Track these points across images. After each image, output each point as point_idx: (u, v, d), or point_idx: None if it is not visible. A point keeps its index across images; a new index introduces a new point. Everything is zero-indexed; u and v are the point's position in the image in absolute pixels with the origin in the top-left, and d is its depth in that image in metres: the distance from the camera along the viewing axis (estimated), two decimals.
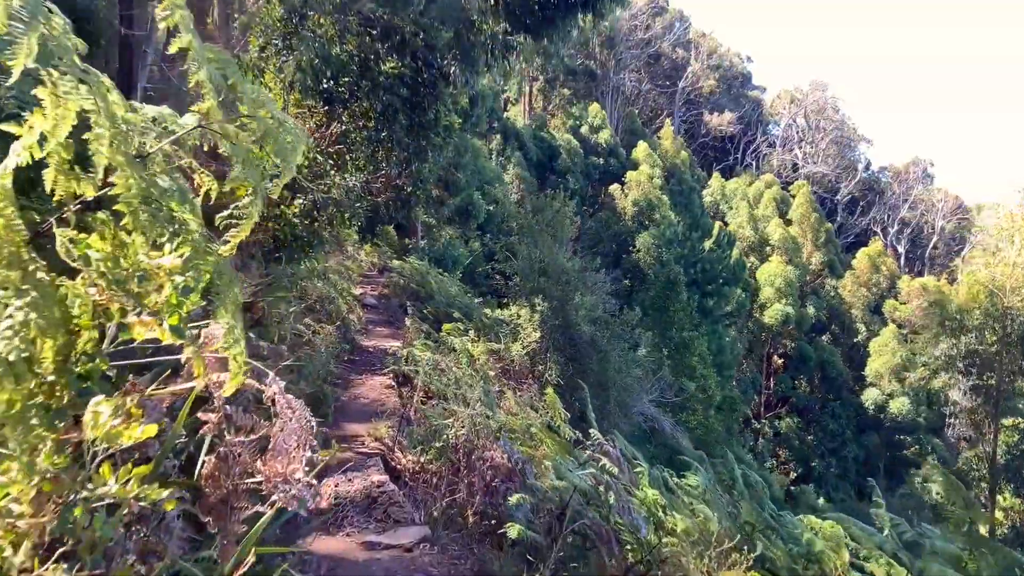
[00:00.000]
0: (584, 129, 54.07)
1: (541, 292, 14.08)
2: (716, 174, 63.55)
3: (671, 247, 30.18)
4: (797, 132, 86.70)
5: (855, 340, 53.52)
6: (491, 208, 31.62)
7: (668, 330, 19.76)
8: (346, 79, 11.52)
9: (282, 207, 12.58)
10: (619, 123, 66.31)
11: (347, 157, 12.43)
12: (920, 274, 74.70)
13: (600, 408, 14.41)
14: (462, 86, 11.88)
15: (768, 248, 51.25)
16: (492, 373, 13.20)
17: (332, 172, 12.09)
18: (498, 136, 46.04)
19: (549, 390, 7.80)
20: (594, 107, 55.27)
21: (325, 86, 11.46)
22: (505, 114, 53.13)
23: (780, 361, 51.81)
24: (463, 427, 7.44)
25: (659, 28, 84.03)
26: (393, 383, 10.92)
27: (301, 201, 12.66)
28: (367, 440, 7.78)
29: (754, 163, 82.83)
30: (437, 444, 7.38)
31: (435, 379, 9.09)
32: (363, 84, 11.42)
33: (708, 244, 30.73)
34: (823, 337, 53.59)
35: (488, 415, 7.63)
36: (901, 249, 79.73)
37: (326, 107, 11.81)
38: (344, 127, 12.13)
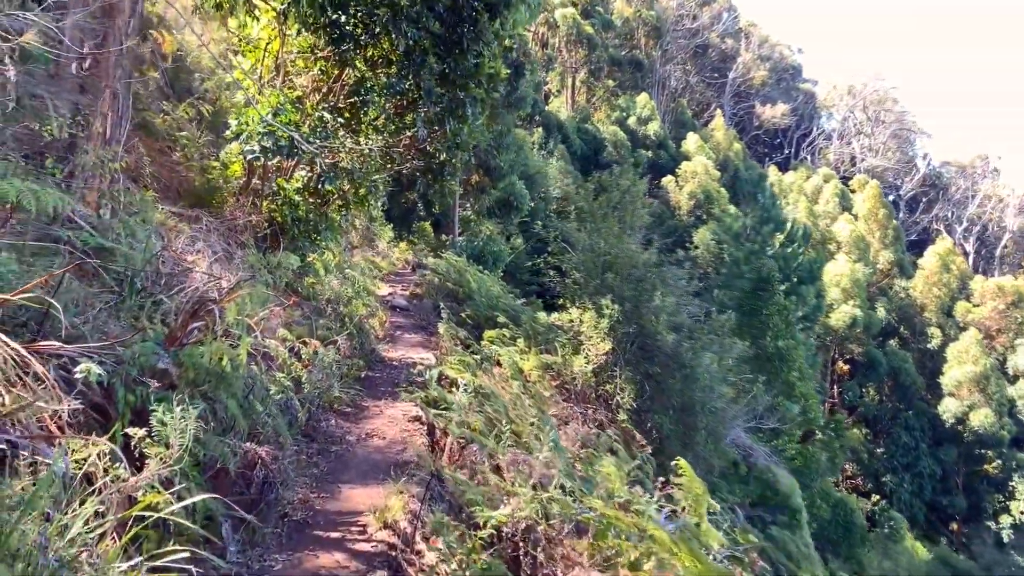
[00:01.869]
0: (631, 121, 50.81)
1: (609, 291, 11.06)
2: (773, 167, 59.82)
3: (738, 242, 26.86)
4: (855, 125, 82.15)
5: (927, 345, 49.26)
6: (533, 204, 28.64)
7: (761, 338, 16.54)
8: (359, 8, 8.66)
9: (279, 181, 9.80)
10: (665, 116, 62.90)
11: (362, 114, 9.59)
12: (988, 274, 69.82)
13: (684, 437, 11.36)
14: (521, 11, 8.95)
15: (832, 246, 47.39)
16: (547, 394, 10.26)
17: (343, 134, 9.26)
18: (539, 129, 43.18)
19: (693, 484, 4.71)
20: (642, 97, 51.99)
21: (332, 17, 8.61)
22: (546, 107, 50.26)
23: (846, 367, 47.86)
24: (524, 509, 4.49)
25: (706, 18, 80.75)
26: (420, 412, 8.02)
27: (305, 173, 9.86)
28: (372, 523, 4.88)
29: (809, 157, 78.60)
30: (481, 534, 4.45)
31: (476, 421, 6.17)
32: (381, 13, 8.54)
33: (779, 239, 27.32)
34: (891, 341, 49.48)
35: (566, 487, 4.66)
36: (969, 248, 74.62)
37: (335, 47, 8.96)
38: (358, 74, 9.29)
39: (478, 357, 9.89)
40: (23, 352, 3.48)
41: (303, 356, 6.98)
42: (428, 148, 9.90)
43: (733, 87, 79.44)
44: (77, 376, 3.51)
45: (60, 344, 3.63)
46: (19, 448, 2.84)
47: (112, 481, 3.27)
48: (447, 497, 5.93)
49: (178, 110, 11.13)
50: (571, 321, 11.28)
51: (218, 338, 4.63)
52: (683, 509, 4.76)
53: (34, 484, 2.85)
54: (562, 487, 4.55)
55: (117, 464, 3.35)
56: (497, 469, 6.37)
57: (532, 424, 6.84)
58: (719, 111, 68.42)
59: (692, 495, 4.70)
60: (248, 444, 4.64)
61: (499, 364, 10.63)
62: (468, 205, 26.46)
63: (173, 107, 11.10)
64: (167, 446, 3.33)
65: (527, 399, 8.13)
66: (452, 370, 8.01)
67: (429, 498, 5.32)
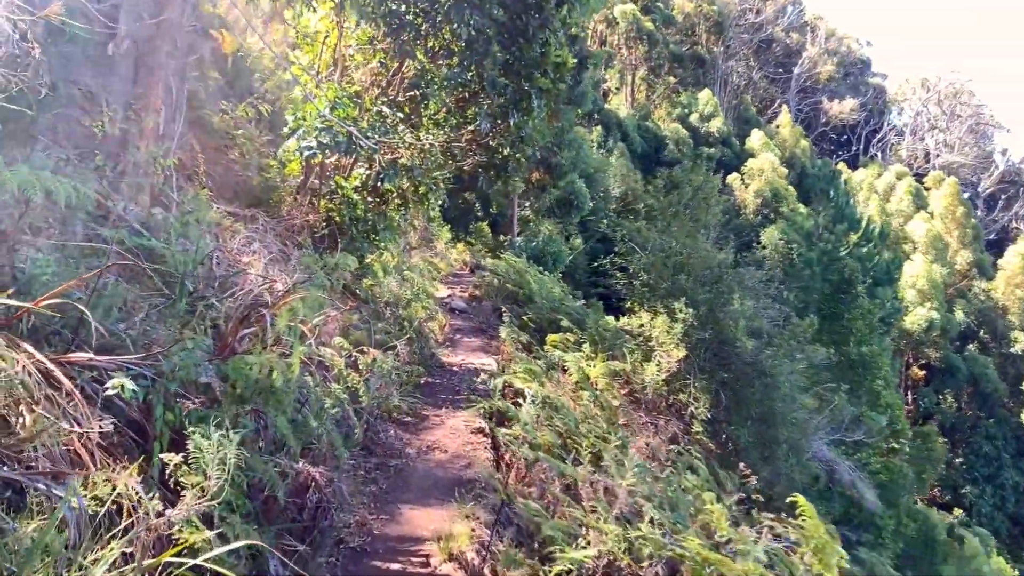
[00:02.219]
0: (693, 118, 49.49)
1: (682, 294, 10.38)
2: (841, 165, 57.69)
3: (810, 242, 25.57)
4: (928, 120, 78.69)
5: (1010, 350, 46.56)
6: (593, 203, 27.90)
7: (843, 344, 15.51)
8: None
9: (337, 179, 9.45)
10: (728, 113, 61.22)
11: (422, 108, 9.16)
12: None
13: (763, 449, 10.61)
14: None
15: (907, 246, 45.24)
16: (616, 403, 9.63)
17: (402, 129, 8.84)
18: (598, 127, 42.42)
19: (816, 529, 4.01)
20: (705, 93, 50.65)
21: (391, 6, 8.20)
22: (605, 104, 49.40)
23: (921, 373, 45.58)
24: (607, 543, 3.92)
25: (770, 12, 78.58)
26: (483, 425, 7.53)
27: (363, 170, 9.49)
28: (436, 553, 4.39)
29: (879, 154, 75.65)
30: (556, 570, 3.91)
31: (544, 436, 5.64)
32: (443, 0, 8.09)
33: (853, 238, 25.89)
34: (971, 346, 46.93)
35: (654, 519, 4.08)
36: None
37: (394, 38, 8.56)
38: (418, 66, 8.86)
39: (544, 364, 9.36)
40: (49, 365, 3.09)
41: (360, 365, 6.55)
42: (491, 143, 9.41)
43: (798, 82, 77.03)
44: (108, 392, 3.10)
45: (90, 356, 3.22)
46: (32, 482, 2.42)
47: (145, 516, 2.84)
48: (515, 520, 5.41)
49: (237, 110, 10.92)
50: (641, 326, 10.63)
51: (268, 347, 4.20)
52: (802, 558, 4.07)
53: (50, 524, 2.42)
54: (658, 527, 3.97)
55: (150, 496, 2.93)
56: (568, 489, 5.83)
57: (607, 440, 6.27)
58: (784, 107, 66.35)
59: (815, 542, 3.96)
60: (300, 464, 4.20)
61: (565, 371, 10.08)
62: (527, 204, 25.97)
63: (232, 107, 10.90)
64: (206, 475, 2.89)
65: (598, 410, 7.55)
66: (518, 379, 7.48)
67: (497, 522, 4.80)
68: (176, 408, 3.36)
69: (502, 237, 25.34)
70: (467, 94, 9.12)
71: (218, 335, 4.83)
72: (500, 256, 17.82)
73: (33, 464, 2.77)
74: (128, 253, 5.45)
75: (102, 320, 3.98)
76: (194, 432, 2.98)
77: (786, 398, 10.43)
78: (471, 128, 9.22)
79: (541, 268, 17.96)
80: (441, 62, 8.90)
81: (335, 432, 4.86)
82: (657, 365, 10.05)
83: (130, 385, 3.09)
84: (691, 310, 10.04)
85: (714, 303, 10.40)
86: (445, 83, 8.67)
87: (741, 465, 6.66)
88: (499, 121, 9.05)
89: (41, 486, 2.52)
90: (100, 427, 3.12)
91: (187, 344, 3.46)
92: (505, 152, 9.40)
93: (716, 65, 64.70)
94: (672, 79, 58.97)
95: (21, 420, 2.83)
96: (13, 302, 2.91)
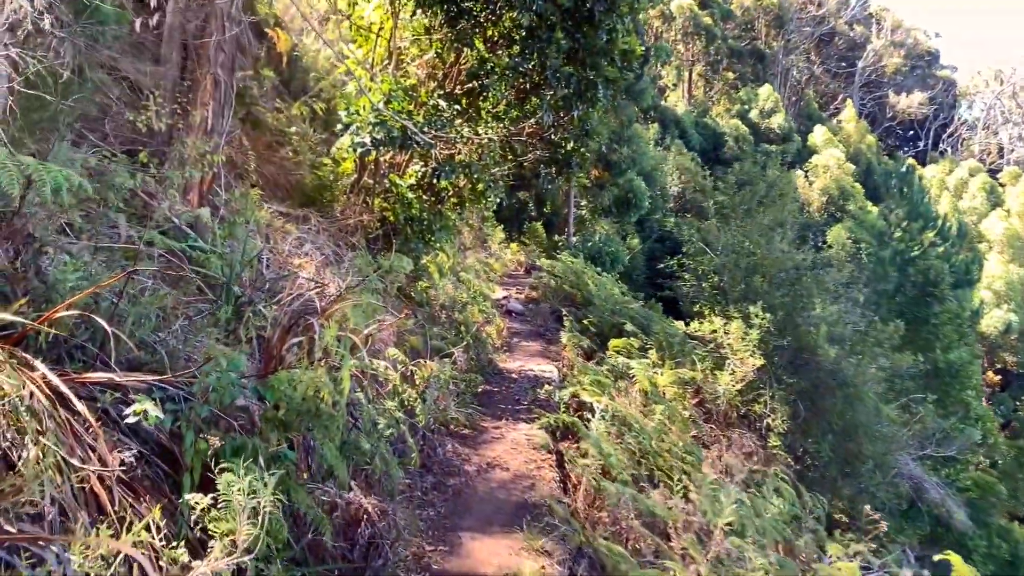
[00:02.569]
0: (753, 114, 48.04)
1: (757, 298, 9.65)
2: (910, 161, 55.34)
3: (882, 241, 24.26)
4: (1002, 113, 75.07)
5: None
6: (650, 202, 26.99)
7: (929, 350, 14.45)
8: None
9: (391, 176, 9.02)
10: (789, 109, 59.37)
11: (480, 101, 8.67)
12: None
13: (844, 464, 9.81)
14: None
15: (982, 245, 43.01)
16: (687, 414, 8.98)
17: (459, 123, 8.35)
18: (655, 124, 41.44)
19: None
20: (765, 89, 49.12)
21: None
22: (662, 101, 48.31)
23: (996, 378, 43.28)
24: None
25: (833, 4, 76.15)
26: (548, 439, 6.99)
27: (418, 168, 9.04)
28: None
29: (949, 149, 72.51)
30: None
31: (617, 456, 5.06)
32: None
33: (928, 236, 24.43)
34: None
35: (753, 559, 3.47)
36: None
37: (451, 27, 8.09)
38: (477, 56, 8.37)
39: (610, 372, 8.76)
40: (63, 388, 2.67)
41: (416, 379, 6.07)
42: (553, 137, 8.86)
43: (863, 76, 74.36)
44: (130, 420, 2.66)
45: (111, 375, 2.79)
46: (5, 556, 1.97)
47: (168, 570, 2.38)
48: (587, 552, 4.86)
49: (292, 108, 10.62)
50: (713, 331, 9.93)
51: (316, 362, 3.74)
52: None
53: None
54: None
55: (175, 544, 2.47)
56: (641, 514, 5.26)
57: (684, 459, 5.67)
58: (848, 102, 64.04)
59: None
60: (351, 494, 3.73)
61: (631, 378, 9.48)
62: (583, 203, 25.33)
63: (287, 106, 10.60)
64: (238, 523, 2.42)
65: (672, 425, 6.94)
66: (585, 392, 6.92)
67: (573, 561, 4.26)
68: (208, 437, 2.91)
69: (556, 237, 24.75)
70: (528, 85, 8.59)
71: (264, 345, 4.41)
72: (556, 256, 17.24)
73: (37, 508, 2.34)
74: (171, 255, 5.09)
75: (135, 330, 3.58)
76: (223, 471, 2.51)
77: (870, 410, 9.62)
78: (532, 121, 8.69)
79: (599, 269, 17.32)
80: (501, 51, 8.39)
81: (389, 453, 4.38)
82: (731, 374, 9.36)
83: (154, 411, 2.64)
84: (768, 315, 9.31)
85: (792, 308, 9.65)
86: (505, 73, 8.15)
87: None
88: (562, 113, 8.49)
89: (39, 544, 2.07)
90: (122, 460, 2.69)
91: (221, 361, 3.01)
92: (568, 146, 8.85)
93: (776, 60, 62.92)
94: (731, 75, 57.48)
95: (26, 455, 2.39)
96: (12, 317, 2.49)
